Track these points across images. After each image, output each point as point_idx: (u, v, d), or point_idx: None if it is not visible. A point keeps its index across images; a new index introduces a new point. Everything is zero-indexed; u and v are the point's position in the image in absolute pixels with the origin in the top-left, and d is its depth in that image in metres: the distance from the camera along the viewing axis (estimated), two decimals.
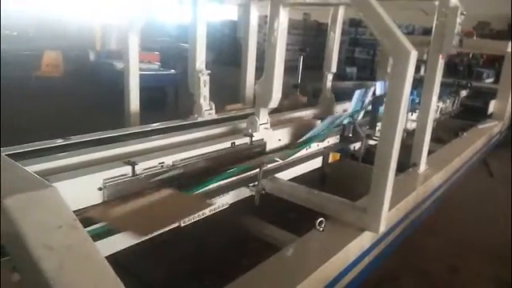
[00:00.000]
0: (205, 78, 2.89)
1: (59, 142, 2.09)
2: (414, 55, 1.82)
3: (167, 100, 7.88)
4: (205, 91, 2.93)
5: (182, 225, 1.97)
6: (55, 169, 1.71)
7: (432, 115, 3.00)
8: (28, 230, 0.67)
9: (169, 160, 1.99)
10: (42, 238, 0.67)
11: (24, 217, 0.69)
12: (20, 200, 0.71)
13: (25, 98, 7.48)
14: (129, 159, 1.84)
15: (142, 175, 1.84)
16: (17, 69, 9.29)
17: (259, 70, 3.28)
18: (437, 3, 2.69)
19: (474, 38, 6.33)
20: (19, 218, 0.68)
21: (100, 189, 1.67)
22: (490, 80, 7.11)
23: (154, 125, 2.65)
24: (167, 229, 1.89)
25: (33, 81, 8.13)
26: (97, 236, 1.44)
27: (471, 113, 5.42)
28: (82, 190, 1.60)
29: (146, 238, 1.64)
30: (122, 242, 1.68)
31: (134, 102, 2.99)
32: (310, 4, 2.27)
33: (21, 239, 0.66)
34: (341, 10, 3.36)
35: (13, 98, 7.33)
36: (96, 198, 1.66)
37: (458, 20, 2.62)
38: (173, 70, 8.13)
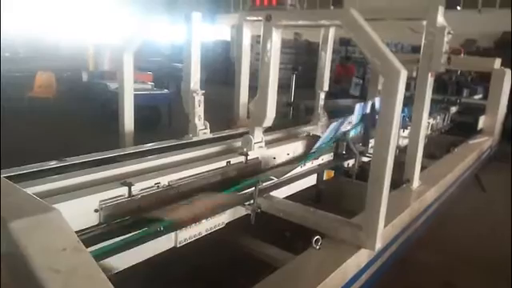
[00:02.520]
0: (199, 98, 2.92)
1: (54, 163, 2.09)
2: (404, 74, 1.87)
3: (161, 119, 7.90)
4: (199, 111, 2.95)
5: (178, 245, 1.96)
6: (51, 191, 1.70)
7: (423, 132, 3.05)
8: (33, 253, 0.68)
9: (165, 180, 2.00)
10: (47, 261, 0.68)
11: (29, 240, 0.70)
12: (25, 223, 0.72)
13: (18, 120, 7.46)
14: (125, 180, 1.84)
15: (139, 196, 1.84)
16: (9, 90, 9.28)
17: (252, 89, 3.33)
18: (424, 23, 2.77)
19: (462, 55, 6.48)
20: (25, 241, 0.69)
21: (96, 210, 1.67)
22: (479, 96, 7.26)
23: (150, 145, 2.66)
24: (161, 250, 1.89)
25: (25, 102, 8.12)
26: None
27: (461, 128, 5.50)
28: (79, 212, 1.59)
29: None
30: (119, 263, 1.67)
31: (129, 122, 3.00)
32: (302, 26, 2.32)
33: (26, 262, 0.66)
34: (331, 31, 3.45)
35: (5, 119, 7.31)
36: (92, 219, 1.66)
37: (446, 39, 2.70)
38: (166, 90, 8.19)
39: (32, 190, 1.64)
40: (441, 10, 2.72)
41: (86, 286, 0.68)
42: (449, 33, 2.73)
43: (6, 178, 1.66)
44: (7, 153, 4.30)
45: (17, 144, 5.67)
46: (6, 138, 5.89)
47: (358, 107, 3.22)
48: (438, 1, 3.08)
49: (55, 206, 1.45)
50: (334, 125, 2.92)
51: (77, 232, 1.52)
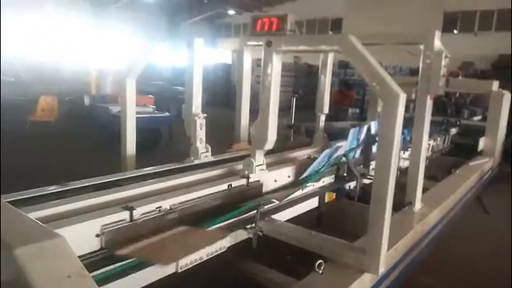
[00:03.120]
0: (201, 122, 2.95)
1: (55, 188, 2.09)
2: (402, 98, 1.90)
3: (162, 142, 7.94)
4: (201, 134, 2.97)
5: (179, 270, 1.94)
6: (52, 216, 1.70)
7: (424, 153, 3.06)
8: (39, 280, 0.68)
9: (166, 204, 2.00)
10: None
11: (35, 267, 0.70)
12: (30, 250, 0.72)
13: (20, 143, 7.49)
14: (126, 204, 1.84)
15: (140, 220, 1.84)
16: (12, 114, 9.37)
17: (252, 112, 3.36)
18: (422, 47, 2.82)
19: (460, 77, 6.56)
20: (30, 268, 0.69)
21: (98, 235, 1.66)
22: (479, 117, 7.30)
23: (151, 168, 2.67)
24: (162, 275, 1.87)
25: (28, 126, 8.18)
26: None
27: (462, 150, 5.51)
28: (80, 237, 1.59)
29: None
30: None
31: (131, 146, 3.02)
32: (302, 51, 2.37)
33: None
34: (331, 55, 3.51)
35: (8, 143, 7.35)
36: (94, 244, 1.65)
37: (443, 63, 2.75)
38: (167, 113, 8.27)
39: (34, 214, 1.63)
40: (437, 34, 2.78)
41: None
42: (446, 56, 2.78)
43: (8, 202, 1.67)
44: (11, 176, 4.31)
45: (19, 168, 5.68)
46: (9, 161, 5.92)
47: (352, 132, 3.24)
48: (434, 25, 3.15)
49: (57, 230, 1.46)
50: (326, 151, 2.95)
51: (79, 257, 1.53)
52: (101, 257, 1.64)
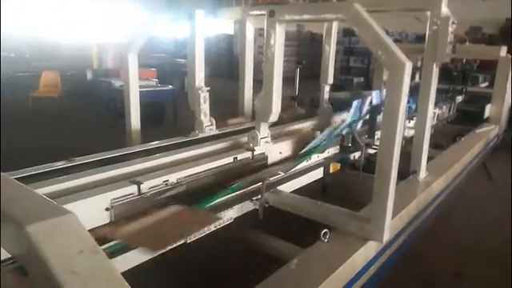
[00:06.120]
0: (204, 95, 2.94)
1: (63, 163, 2.12)
2: (408, 66, 1.87)
3: (166, 115, 7.93)
4: (205, 107, 2.97)
5: (188, 241, 1.98)
6: (61, 191, 1.73)
7: (429, 122, 3.04)
8: (52, 256, 0.70)
9: (173, 177, 2.02)
10: (65, 264, 0.70)
11: (47, 243, 0.72)
12: (42, 227, 0.74)
13: (24, 120, 7.52)
14: (134, 178, 1.87)
15: (148, 194, 1.87)
16: (15, 90, 9.36)
17: (256, 82, 3.33)
18: (428, 13, 2.75)
19: (467, 43, 6.42)
20: (43, 245, 0.71)
21: (107, 209, 1.70)
22: (485, 84, 7.19)
23: (156, 142, 2.68)
24: (173, 245, 1.91)
25: (31, 102, 8.18)
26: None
27: (468, 118, 5.47)
28: (90, 211, 1.62)
29: (157, 253, 1.65)
30: (132, 259, 1.70)
31: (135, 120, 3.03)
32: (305, 20, 2.32)
33: (45, 265, 0.69)
34: (335, 24, 3.44)
35: (12, 119, 7.38)
36: (104, 218, 1.69)
37: (450, 29, 2.68)
38: (170, 86, 8.21)
39: (42, 190, 1.67)
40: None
41: (103, 286, 0.70)
42: (453, 23, 2.71)
43: (16, 179, 1.69)
44: (16, 153, 4.36)
45: (25, 143, 5.73)
46: (14, 138, 5.96)
47: (355, 104, 3.22)
48: None
49: (67, 205, 1.49)
50: (327, 131, 2.95)
51: (89, 230, 1.56)
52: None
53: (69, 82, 9.57)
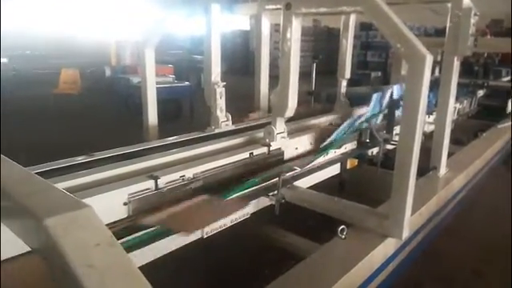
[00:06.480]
0: (220, 90, 2.93)
1: (82, 158, 2.14)
2: (429, 59, 1.82)
3: (183, 111, 7.98)
4: (221, 103, 2.96)
5: (205, 236, 1.99)
6: (81, 185, 1.75)
7: (450, 117, 2.97)
8: (69, 249, 0.70)
9: (189, 173, 2.03)
10: (82, 257, 0.70)
11: (65, 236, 0.72)
12: (59, 220, 0.75)
13: (45, 116, 7.67)
14: (151, 173, 1.88)
15: (165, 189, 1.88)
16: (36, 87, 9.56)
17: (272, 78, 3.31)
18: (449, 5, 2.68)
19: (489, 36, 6.24)
20: (60, 239, 0.72)
21: (125, 204, 1.72)
22: (508, 78, 6.99)
23: (173, 138, 2.69)
24: (188, 241, 1.92)
25: (51, 98, 8.33)
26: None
27: (489, 112, 5.33)
28: (108, 206, 1.64)
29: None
30: (149, 254, 1.71)
31: (153, 116, 3.05)
32: (322, 13, 2.28)
33: (63, 258, 0.69)
34: (352, 17, 3.38)
35: (33, 116, 7.55)
36: (121, 212, 1.70)
37: (472, 21, 2.61)
38: (187, 82, 8.26)
39: (62, 185, 1.69)
40: None
41: (120, 279, 0.70)
42: (475, 14, 2.63)
43: (37, 173, 1.72)
44: (38, 148, 4.45)
45: (43, 140, 5.85)
46: (37, 133, 6.10)
47: (374, 97, 3.16)
48: None
49: (86, 199, 1.51)
50: (348, 121, 2.91)
51: (107, 225, 1.58)
52: (129, 224, 1.70)
53: (88, 79, 9.72)
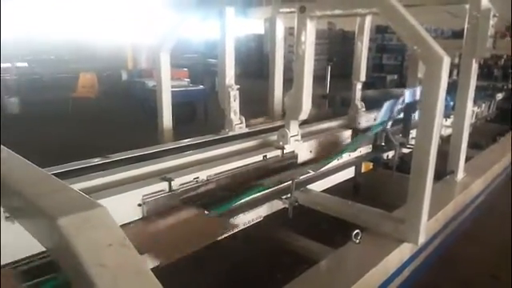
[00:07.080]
0: (234, 93, 2.94)
1: (98, 160, 2.17)
2: (446, 61, 1.79)
3: (197, 114, 8.02)
4: (235, 106, 2.97)
5: (218, 239, 1.99)
6: (97, 187, 1.77)
7: (468, 121, 2.91)
8: (82, 249, 0.71)
9: (203, 175, 2.03)
10: (95, 257, 0.71)
11: (77, 236, 0.73)
12: (73, 220, 0.76)
13: (63, 119, 7.81)
14: (165, 175, 1.89)
15: (178, 190, 1.89)
16: (55, 91, 9.75)
17: (286, 81, 3.30)
18: (467, 6, 2.63)
19: (508, 38, 6.12)
20: (73, 238, 0.72)
21: (139, 205, 1.73)
22: None
23: (188, 140, 2.71)
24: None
25: (70, 102, 8.48)
26: None
27: (508, 116, 5.21)
28: (123, 207, 1.66)
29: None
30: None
31: (167, 119, 3.07)
32: (337, 15, 2.27)
33: (76, 257, 0.70)
34: (368, 19, 3.35)
35: (53, 119, 7.69)
36: (136, 213, 1.72)
37: (491, 22, 2.55)
38: (201, 86, 8.30)
39: (78, 186, 1.72)
40: None
41: (132, 280, 0.70)
42: (494, 15, 2.58)
43: (54, 175, 1.75)
44: (60, 149, 4.53)
45: (62, 142, 5.95)
46: (56, 136, 6.21)
47: (386, 105, 3.11)
48: None
49: (101, 200, 1.52)
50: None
51: (122, 226, 1.59)
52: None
53: (105, 83, 9.85)
